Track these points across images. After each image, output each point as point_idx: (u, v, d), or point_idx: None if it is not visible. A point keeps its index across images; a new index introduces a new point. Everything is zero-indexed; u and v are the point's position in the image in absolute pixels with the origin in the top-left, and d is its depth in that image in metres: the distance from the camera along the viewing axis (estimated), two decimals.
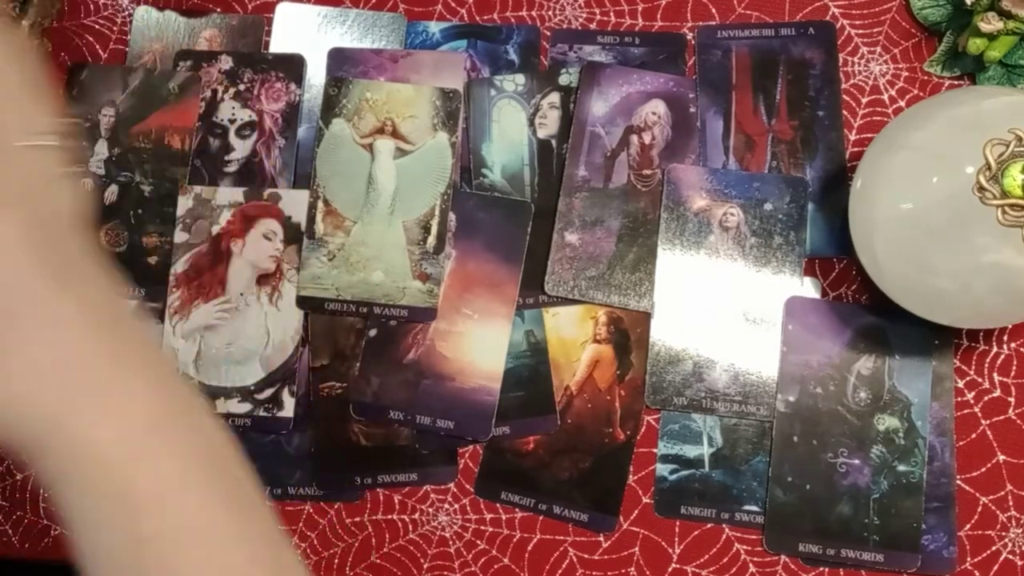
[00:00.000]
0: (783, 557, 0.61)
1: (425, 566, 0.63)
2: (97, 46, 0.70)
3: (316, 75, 0.68)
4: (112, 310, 0.38)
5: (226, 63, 0.68)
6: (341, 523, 0.64)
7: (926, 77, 0.66)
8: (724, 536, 0.62)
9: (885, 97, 0.66)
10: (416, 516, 0.64)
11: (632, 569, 0.62)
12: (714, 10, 0.68)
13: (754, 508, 0.61)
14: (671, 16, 0.68)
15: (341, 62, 0.68)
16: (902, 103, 0.66)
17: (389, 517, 0.64)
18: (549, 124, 0.66)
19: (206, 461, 0.37)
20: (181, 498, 0.36)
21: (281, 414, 0.64)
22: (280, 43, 0.69)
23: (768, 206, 0.64)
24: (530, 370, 0.64)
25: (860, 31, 0.67)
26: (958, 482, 0.61)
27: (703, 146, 0.65)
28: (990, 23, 0.60)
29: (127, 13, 0.70)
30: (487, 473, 0.64)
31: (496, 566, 0.63)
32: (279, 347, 0.64)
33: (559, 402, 0.63)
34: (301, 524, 0.64)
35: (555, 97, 0.67)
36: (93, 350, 0.36)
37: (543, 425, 0.63)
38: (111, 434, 0.35)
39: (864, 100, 0.66)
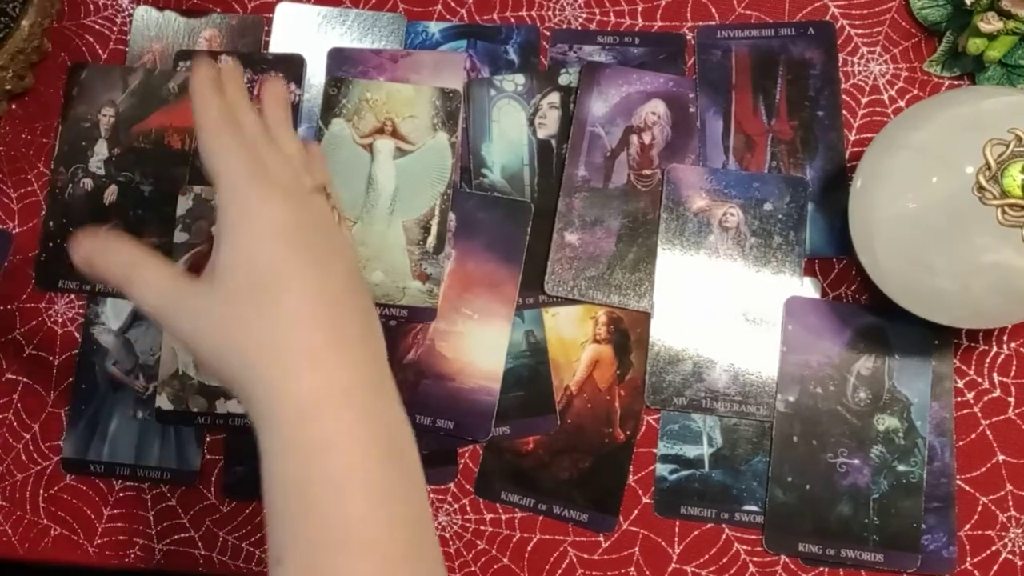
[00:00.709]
0: (783, 557, 0.61)
1: None
2: (97, 46, 0.70)
3: (316, 75, 0.68)
4: (350, 302, 0.46)
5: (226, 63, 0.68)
6: None
7: (926, 77, 0.66)
8: (724, 536, 0.62)
9: (885, 97, 0.66)
10: None
11: (632, 569, 0.62)
12: (714, 10, 0.68)
13: (754, 508, 0.61)
14: (671, 16, 0.68)
15: (341, 62, 0.68)
16: (902, 103, 0.66)
17: None
18: (549, 124, 0.66)
19: (378, 426, 0.44)
20: (346, 446, 0.42)
21: None
22: (280, 43, 0.69)
23: (768, 206, 0.64)
24: (530, 370, 0.64)
25: (860, 31, 0.67)
26: (958, 482, 0.61)
27: (703, 146, 0.65)
28: (990, 23, 0.60)
29: (127, 13, 0.70)
30: (487, 473, 0.64)
31: (496, 566, 0.63)
32: None
33: (559, 402, 0.63)
34: None
35: (555, 97, 0.67)
36: (317, 325, 0.44)
37: (543, 425, 0.63)
38: (306, 387, 0.43)
39: (864, 100, 0.66)
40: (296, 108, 0.67)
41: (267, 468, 0.43)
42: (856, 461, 0.61)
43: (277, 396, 0.43)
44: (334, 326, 0.45)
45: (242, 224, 0.45)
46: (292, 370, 0.43)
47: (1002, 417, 0.62)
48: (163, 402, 0.64)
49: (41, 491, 0.65)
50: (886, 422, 0.61)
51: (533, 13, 0.69)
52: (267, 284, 0.44)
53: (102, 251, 0.48)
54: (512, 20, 0.69)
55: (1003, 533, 0.61)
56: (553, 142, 0.66)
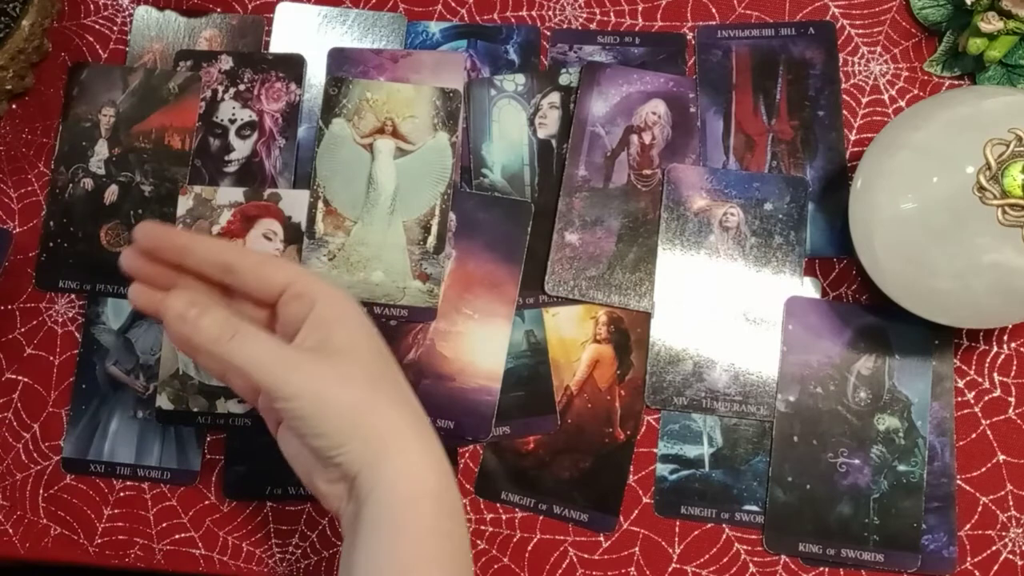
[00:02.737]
0: (783, 557, 0.61)
1: None
2: (97, 46, 0.70)
3: (316, 75, 0.68)
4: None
5: (226, 63, 0.68)
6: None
7: (926, 77, 0.66)
8: (724, 536, 0.62)
9: (885, 97, 0.66)
10: None
11: (632, 569, 0.62)
12: (714, 10, 0.68)
13: (754, 508, 0.61)
14: (671, 16, 0.68)
15: (341, 62, 0.68)
16: (902, 103, 0.66)
17: None
18: (549, 124, 0.66)
19: (446, 541, 0.48)
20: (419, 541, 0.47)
21: None
22: (280, 43, 0.69)
23: (768, 206, 0.64)
24: (530, 370, 0.64)
25: (860, 31, 0.67)
26: (958, 482, 0.61)
27: (703, 146, 0.65)
28: (990, 23, 0.60)
29: (127, 13, 0.70)
30: (487, 473, 0.64)
31: (496, 566, 0.63)
32: None
33: (559, 402, 0.63)
34: (301, 524, 0.64)
35: (555, 97, 0.67)
36: (420, 419, 0.50)
37: (543, 425, 0.63)
38: (425, 477, 0.48)
39: (864, 100, 0.66)
40: (296, 108, 0.67)
41: (368, 539, 0.47)
42: (856, 461, 0.61)
43: (399, 476, 0.47)
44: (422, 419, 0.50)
45: (348, 313, 0.51)
46: (413, 460, 0.48)
47: (1002, 417, 0.62)
48: (163, 402, 0.64)
49: (41, 491, 0.65)
50: (886, 422, 0.61)
51: (533, 13, 0.69)
52: (387, 376, 0.50)
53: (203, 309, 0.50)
54: (512, 20, 0.69)
55: (1003, 533, 0.61)
56: (553, 142, 0.66)
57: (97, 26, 0.71)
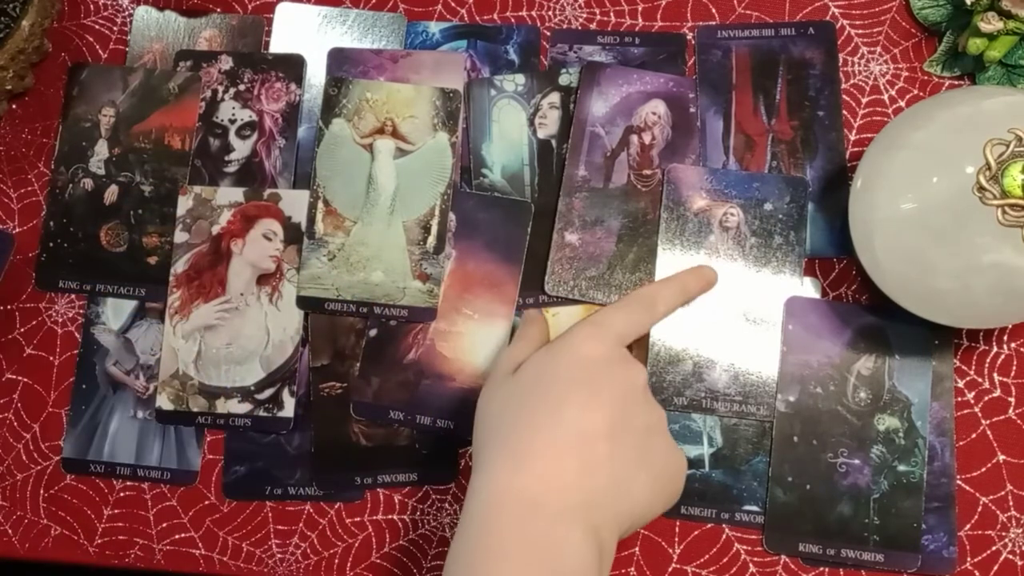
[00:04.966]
0: (783, 557, 0.61)
1: (425, 566, 0.63)
2: (97, 46, 0.70)
3: (316, 75, 0.68)
4: (603, 448, 0.52)
5: (226, 63, 0.68)
6: (341, 523, 0.64)
7: (926, 77, 0.66)
8: (724, 536, 0.62)
9: (885, 97, 0.66)
10: (416, 516, 0.64)
11: (632, 569, 0.62)
12: (714, 10, 0.68)
13: (754, 508, 0.61)
14: (671, 16, 0.68)
15: (341, 62, 0.68)
16: (902, 103, 0.66)
17: (389, 517, 0.64)
18: (549, 124, 0.66)
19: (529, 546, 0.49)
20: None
21: (281, 414, 0.64)
22: (280, 43, 0.69)
23: (768, 206, 0.64)
24: None
25: (860, 31, 0.67)
26: (958, 482, 0.61)
27: (703, 146, 0.65)
28: (990, 23, 0.60)
29: (127, 13, 0.70)
30: None
31: None
32: (279, 347, 0.64)
33: None
34: (301, 524, 0.64)
35: (555, 97, 0.67)
36: (571, 451, 0.51)
37: None
38: (543, 486, 0.50)
39: (864, 100, 0.66)
40: (296, 108, 0.67)
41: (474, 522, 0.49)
42: (856, 461, 0.61)
43: (519, 478, 0.50)
44: (581, 455, 0.51)
45: (561, 345, 0.54)
46: (542, 468, 0.50)
47: (1002, 417, 0.62)
48: (163, 402, 0.64)
49: (41, 491, 0.65)
50: (886, 422, 0.61)
51: (533, 13, 0.69)
52: (553, 397, 0.52)
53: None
54: (512, 20, 0.69)
55: (1003, 533, 0.61)
56: (553, 142, 0.66)
57: (97, 26, 0.71)
